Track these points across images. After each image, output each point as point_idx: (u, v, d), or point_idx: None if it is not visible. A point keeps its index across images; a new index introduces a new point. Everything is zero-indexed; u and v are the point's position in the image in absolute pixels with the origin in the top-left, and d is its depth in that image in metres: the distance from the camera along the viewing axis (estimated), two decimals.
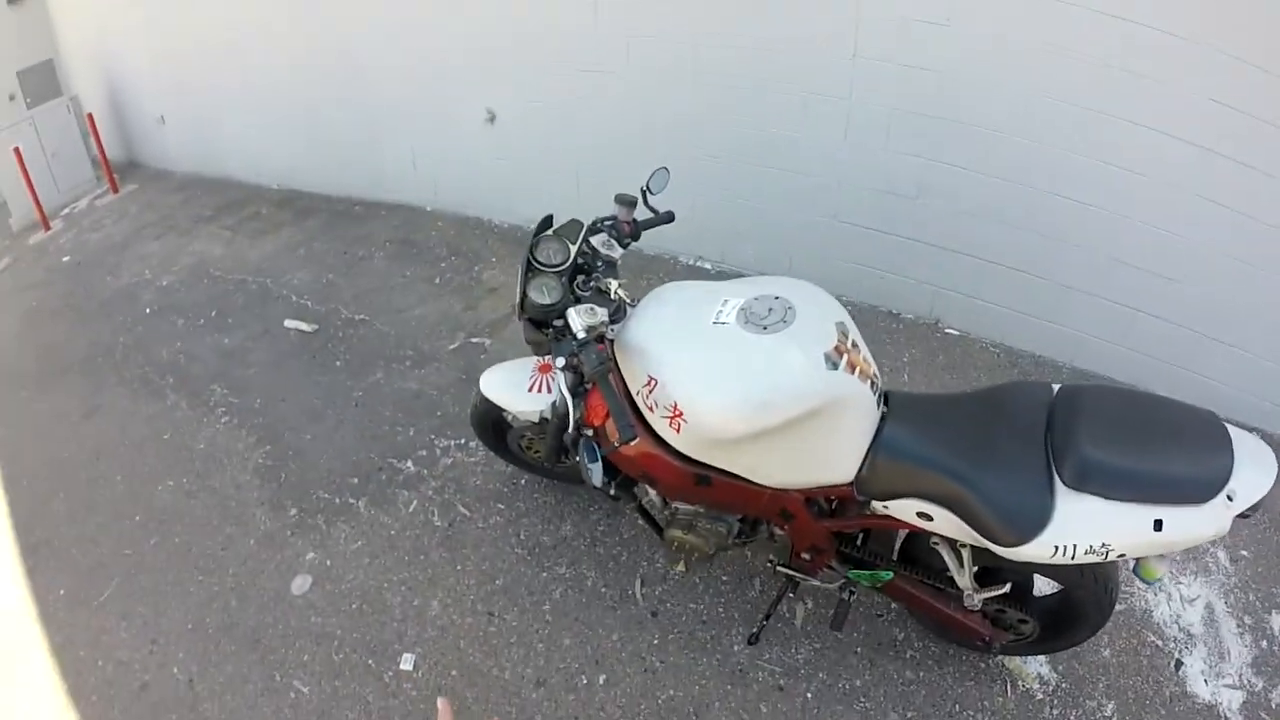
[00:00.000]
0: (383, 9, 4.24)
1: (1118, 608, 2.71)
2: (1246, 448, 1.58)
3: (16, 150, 5.70)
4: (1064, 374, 3.43)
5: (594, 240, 1.77)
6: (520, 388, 2.14)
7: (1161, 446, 1.58)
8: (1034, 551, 1.57)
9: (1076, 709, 2.46)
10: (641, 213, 1.93)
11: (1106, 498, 1.55)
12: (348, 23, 4.47)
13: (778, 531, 2.02)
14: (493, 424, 2.37)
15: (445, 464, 3.23)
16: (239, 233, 5.18)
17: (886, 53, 2.93)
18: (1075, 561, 1.58)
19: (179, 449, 3.50)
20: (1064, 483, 1.57)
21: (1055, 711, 2.44)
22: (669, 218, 1.94)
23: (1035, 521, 1.56)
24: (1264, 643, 2.86)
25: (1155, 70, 2.60)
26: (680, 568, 2.40)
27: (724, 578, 2.39)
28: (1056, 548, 1.56)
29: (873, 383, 1.64)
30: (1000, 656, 2.43)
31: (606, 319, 1.60)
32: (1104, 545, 1.55)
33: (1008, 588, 1.97)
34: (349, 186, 5.12)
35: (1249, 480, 1.53)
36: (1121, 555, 1.61)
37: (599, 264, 1.78)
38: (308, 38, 4.72)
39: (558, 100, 3.85)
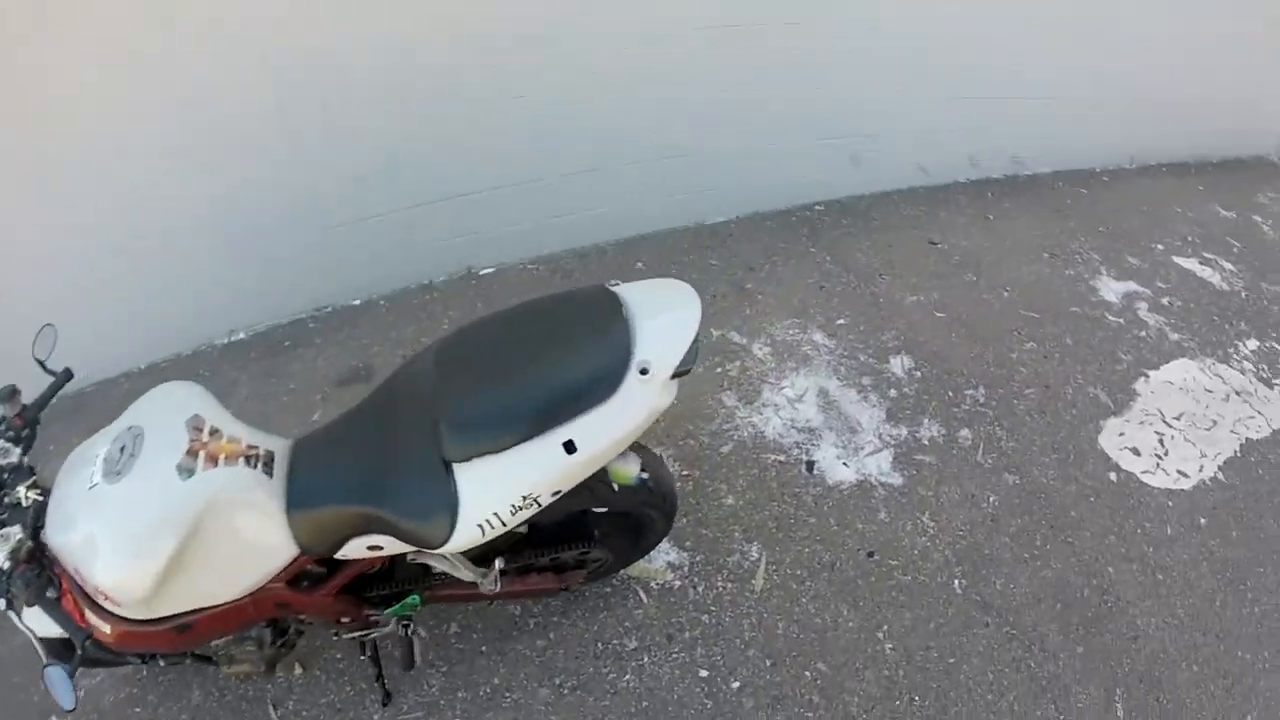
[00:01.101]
0: None
1: (723, 449, 2.37)
2: (654, 302, 1.46)
3: None
4: (609, 253, 3.20)
5: None
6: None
7: (538, 362, 1.40)
8: (463, 540, 1.39)
9: (721, 571, 2.12)
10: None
11: (495, 453, 1.36)
12: None
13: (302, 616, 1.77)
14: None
15: None
16: None
17: None
18: (511, 526, 1.41)
19: None
20: (449, 460, 1.37)
21: (700, 586, 2.14)
22: (67, 377, 1.61)
23: (446, 513, 1.38)
24: (891, 392, 2.64)
25: None
26: (297, 670, 2.04)
27: (338, 656, 1.99)
28: (480, 526, 1.38)
29: (249, 457, 1.43)
30: (623, 571, 2.10)
31: (25, 535, 1.34)
32: (526, 497, 1.39)
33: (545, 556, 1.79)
34: None
35: (660, 339, 1.40)
36: (556, 492, 1.43)
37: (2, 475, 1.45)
38: None
39: None
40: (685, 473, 2.36)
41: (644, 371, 1.35)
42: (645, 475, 1.68)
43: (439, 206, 2.85)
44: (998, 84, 3.48)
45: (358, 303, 2.99)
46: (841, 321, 2.94)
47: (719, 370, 2.70)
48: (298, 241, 2.70)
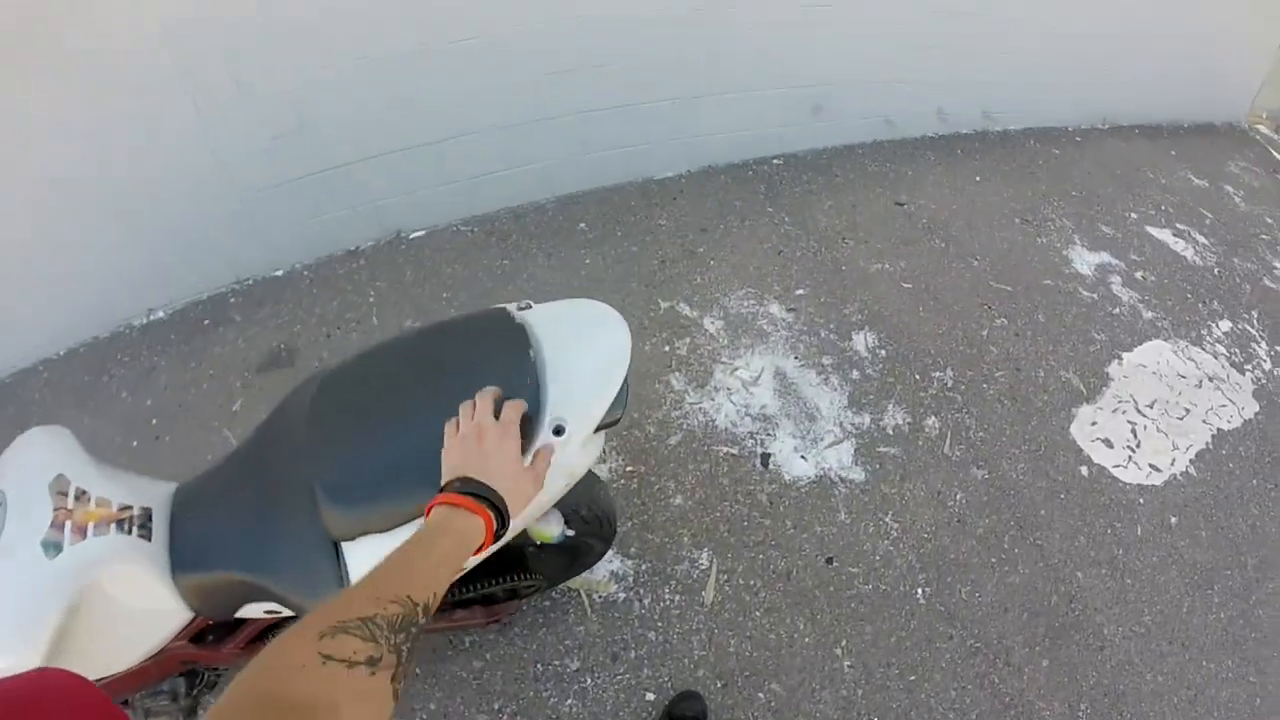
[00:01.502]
0: None
1: (671, 440, 2.12)
2: (570, 337, 1.14)
3: None
4: (549, 210, 2.89)
5: None
6: None
7: (427, 422, 1.01)
8: None
9: (669, 582, 1.91)
10: None
11: (383, 532, 1.09)
12: None
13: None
14: None
15: None
16: None
17: None
18: None
19: None
20: (333, 537, 1.12)
21: (646, 599, 1.93)
22: None
23: (334, 587, 1.14)
24: (854, 373, 2.41)
25: None
26: None
27: None
28: None
29: (121, 521, 1.21)
30: (565, 584, 1.86)
31: None
32: None
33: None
34: None
35: (578, 389, 1.09)
36: (460, 570, 1.12)
37: None
38: None
39: None
40: (630, 469, 2.11)
41: (558, 431, 1.06)
42: (570, 532, 1.41)
43: (361, 166, 2.47)
44: (967, 36, 3.18)
45: (280, 274, 2.62)
46: (801, 292, 2.68)
47: (666, 349, 2.42)
48: (215, 211, 2.34)
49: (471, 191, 2.74)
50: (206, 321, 2.48)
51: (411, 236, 2.75)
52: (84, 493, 1.23)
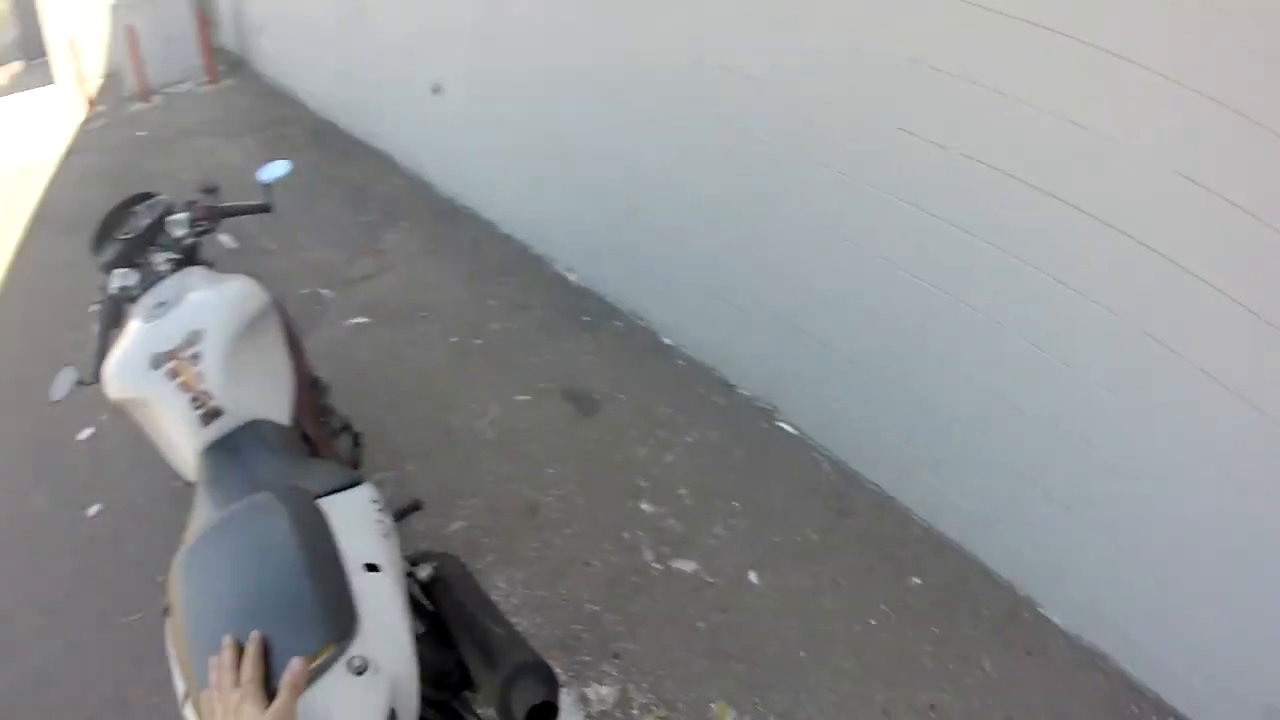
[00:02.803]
0: None
1: None
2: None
3: (130, 28, 6.83)
4: (916, 538, 2.20)
5: (170, 219, 1.87)
6: None
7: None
8: None
9: None
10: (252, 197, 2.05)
11: None
12: None
13: None
14: None
15: None
16: (259, 149, 5.22)
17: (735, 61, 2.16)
18: None
19: None
20: None
21: None
22: (263, 208, 2.02)
23: None
24: None
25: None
26: None
27: None
28: None
29: (198, 397, 1.51)
30: None
31: (129, 284, 1.75)
32: None
33: None
34: (369, 132, 5.17)
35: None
36: None
37: (167, 239, 1.87)
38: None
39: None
40: None
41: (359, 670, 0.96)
42: None
43: (783, 325, 2.41)
44: None
45: None
46: None
47: None
48: None
49: (862, 437, 2.37)
50: None
51: (779, 424, 2.57)
52: (196, 358, 1.52)
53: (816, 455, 2.37)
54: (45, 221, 4.58)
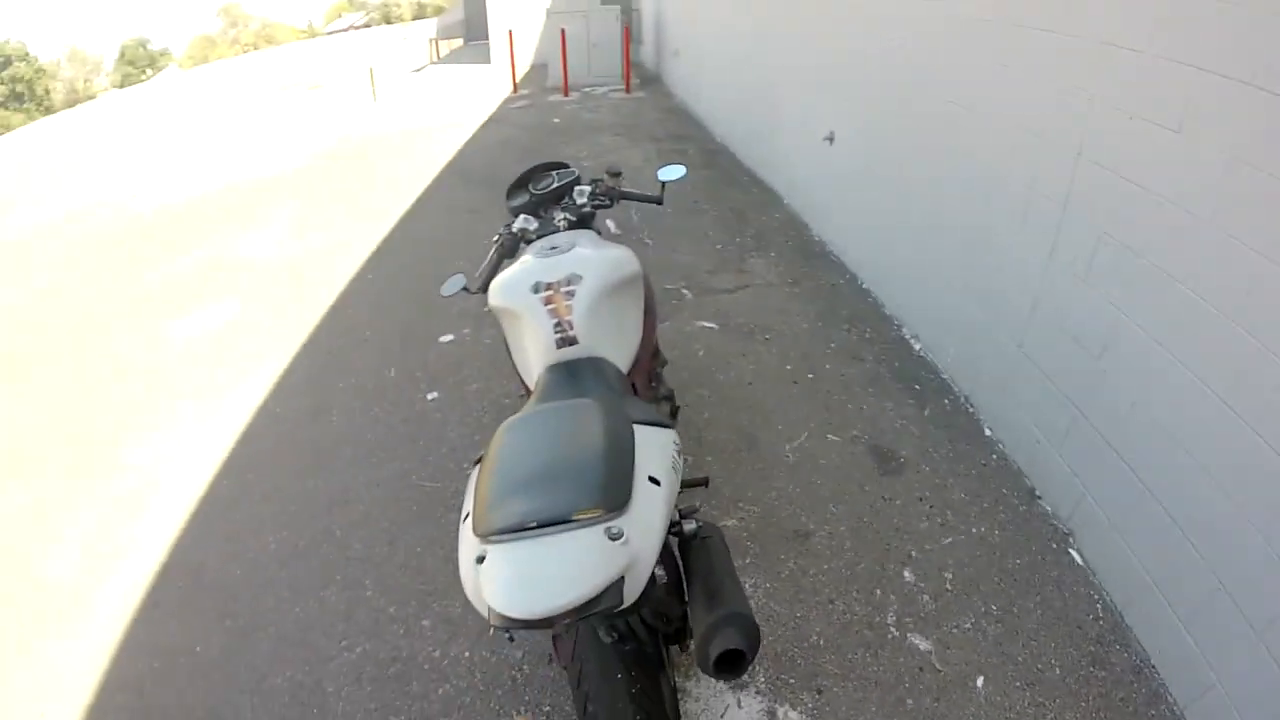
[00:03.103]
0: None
1: None
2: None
3: (563, 30, 8.14)
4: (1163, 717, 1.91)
5: (577, 188, 2.27)
6: None
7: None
8: None
9: None
10: (645, 188, 2.42)
11: None
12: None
13: None
14: None
15: None
16: (657, 156, 6.02)
17: (1113, 159, 2.08)
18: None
19: None
20: None
21: None
22: (656, 200, 2.34)
23: None
24: None
25: None
26: None
27: None
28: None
29: (561, 323, 1.79)
30: None
31: (530, 228, 2.16)
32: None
33: None
34: (759, 164, 5.60)
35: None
36: None
37: (570, 203, 2.26)
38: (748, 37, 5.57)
39: None
40: None
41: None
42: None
43: (1101, 443, 2.21)
44: None
45: None
46: None
47: None
48: None
49: (1159, 605, 2.03)
50: None
51: (1070, 552, 2.39)
52: (570, 294, 1.80)
53: (1094, 594, 2.18)
54: (458, 172, 5.70)
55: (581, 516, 1.12)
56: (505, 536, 1.12)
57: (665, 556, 1.49)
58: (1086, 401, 2.24)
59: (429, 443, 2.95)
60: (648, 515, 1.20)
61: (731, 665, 1.28)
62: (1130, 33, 1.92)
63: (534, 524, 1.11)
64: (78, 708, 2.08)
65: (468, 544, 1.19)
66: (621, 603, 1.10)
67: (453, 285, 2.08)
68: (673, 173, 2.31)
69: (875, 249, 3.76)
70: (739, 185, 5.29)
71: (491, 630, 1.57)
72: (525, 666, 2.05)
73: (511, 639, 1.78)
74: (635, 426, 1.35)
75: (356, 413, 3.22)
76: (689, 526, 1.53)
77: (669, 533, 1.42)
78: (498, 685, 2.03)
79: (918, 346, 3.33)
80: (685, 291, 3.91)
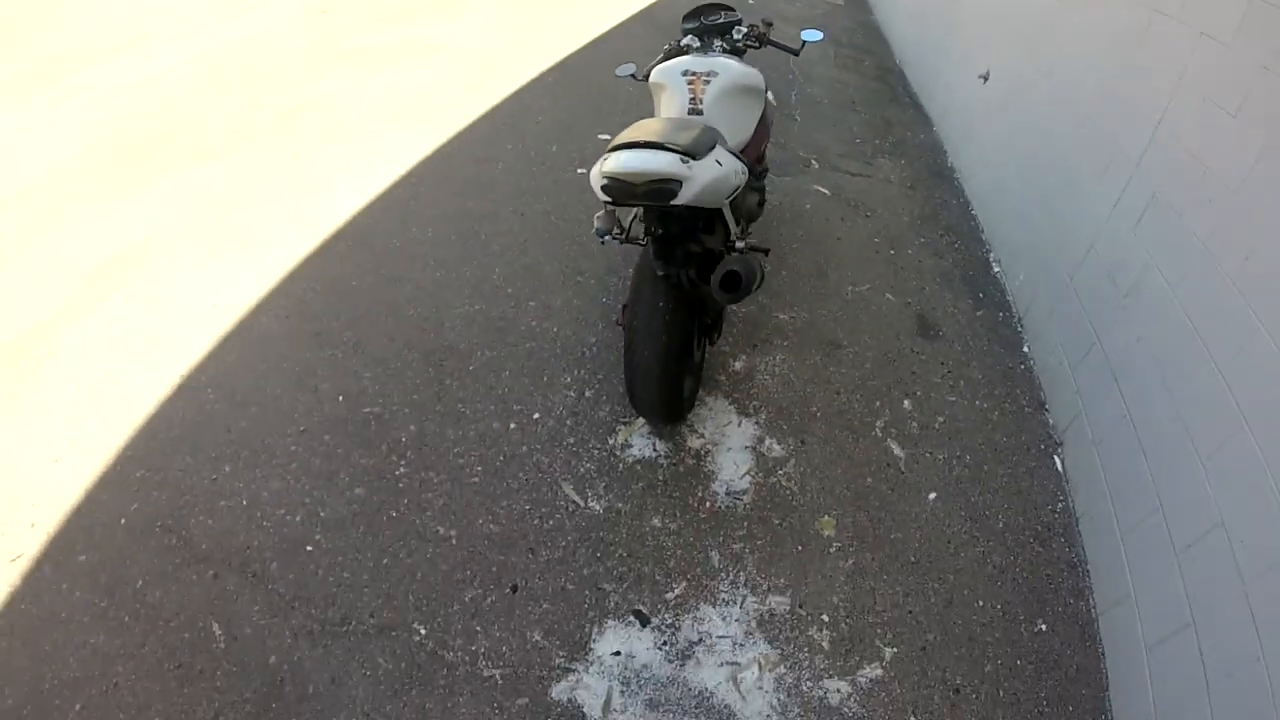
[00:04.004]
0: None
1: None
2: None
3: None
4: None
5: (737, 26, 2.79)
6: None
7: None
8: None
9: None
10: (786, 40, 2.89)
11: None
12: None
13: None
14: None
15: None
16: (834, 59, 6.33)
17: (1181, 130, 2.30)
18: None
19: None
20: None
21: None
22: (793, 51, 2.79)
23: None
24: None
25: None
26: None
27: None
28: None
29: (695, 99, 2.42)
30: None
31: (694, 45, 2.72)
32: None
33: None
34: (921, 88, 5.84)
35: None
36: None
37: (729, 37, 2.76)
38: None
39: None
40: None
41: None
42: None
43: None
44: None
45: None
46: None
47: None
48: None
49: None
50: None
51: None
52: (708, 82, 2.44)
53: (1060, 495, 2.41)
54: (649, 20, 6.31)
55: (671, 146, 1.84)
56: (623, 147, 1.85)
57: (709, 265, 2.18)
58: (1105, 331, 2.51)
59: (569, 198, 3.67)
60: (708, 169, 1.91)
61: (732, 286, 1.95)
62: (1221, 28, 2.17)
63: (643, 142, 1.84)
64: (247, 303, 2.96)
65: (599, 162, 1.87)
66: (677, 194, 1.81)
67: (625, 69, 2.78)
68: (813, 35, 2.78)
69: (992, 182, 3.99)
70: (898, 102, 5.47)
71: (596, 228, 2.18)
72: (594, 349, 2.73)
73: (603, 241, 2.22)
74: (719, 145, 2.06)
75: (517, 167, 3.95)
76: (740, 245, 2.19)
77: (726, 250, 2.22)
78: (569, 354, 2.71)
79: (996, 269, 3.62)
80: (814, 162, 4.31)
